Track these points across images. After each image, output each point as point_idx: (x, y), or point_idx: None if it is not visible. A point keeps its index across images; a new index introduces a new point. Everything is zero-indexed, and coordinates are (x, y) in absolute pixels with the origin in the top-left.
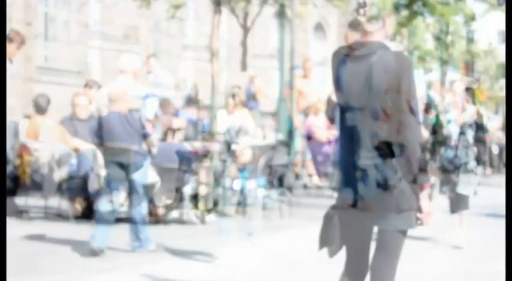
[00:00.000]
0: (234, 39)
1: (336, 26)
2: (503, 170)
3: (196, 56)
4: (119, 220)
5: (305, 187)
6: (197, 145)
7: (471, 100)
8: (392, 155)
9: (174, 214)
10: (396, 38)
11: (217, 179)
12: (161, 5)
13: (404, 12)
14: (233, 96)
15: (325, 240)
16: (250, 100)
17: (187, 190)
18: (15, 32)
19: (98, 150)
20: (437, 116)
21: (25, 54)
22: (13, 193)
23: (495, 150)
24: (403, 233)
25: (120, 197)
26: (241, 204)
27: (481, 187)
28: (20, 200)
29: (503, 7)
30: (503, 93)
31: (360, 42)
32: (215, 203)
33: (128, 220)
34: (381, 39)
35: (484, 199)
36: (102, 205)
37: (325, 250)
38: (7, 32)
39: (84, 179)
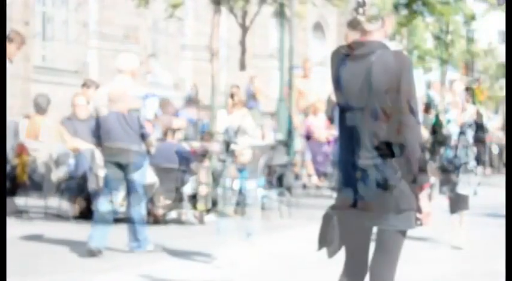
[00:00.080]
0: (233, 38)
1: (335, 26)
2: (503, 170)
3: (195, 55)
4: (117, 220)
5: (304, 187)
6: (196, 145)
7: (471, 100)
8: (392, 155)
9: (173, 214)
10: (396, 37)
11: (216, 179)
12: (160, 4)
13: (404, 12)
14: (232, 96)
15: (325, 240)
16: (250, 100)
17: (187, 190)
18: (15, 32)
19: (97, 150)
20: (437, 116)
21: (23, 54)
22: (13, 193)
23: (495, 150)
24: (403, 233)
25: (119, 197)
26: (240, 204)
27: (481, 187)
28: (19, 200)
29: (503, 7)
30: (503, 93)
31: (360, 42)
32: (214, 203)
33: (127, 220)
34: (380, 38)
35: (484, 199)
36: (101, 205)
37: (324, 250)
38: (7, 32)
39: (83, 179)
